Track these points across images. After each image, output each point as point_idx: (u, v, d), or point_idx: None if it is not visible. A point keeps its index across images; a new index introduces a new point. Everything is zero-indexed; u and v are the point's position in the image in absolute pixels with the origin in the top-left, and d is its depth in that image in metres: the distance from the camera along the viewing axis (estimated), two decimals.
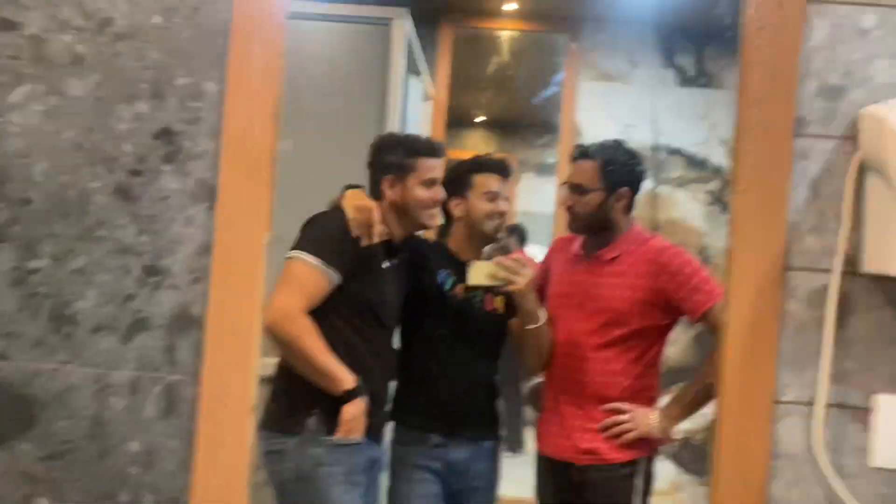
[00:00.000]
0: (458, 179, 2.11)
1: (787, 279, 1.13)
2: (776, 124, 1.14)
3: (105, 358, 1.16)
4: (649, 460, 2.05)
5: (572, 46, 4.10)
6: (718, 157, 3.94)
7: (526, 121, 5.53)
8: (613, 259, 2.07)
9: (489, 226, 2.13)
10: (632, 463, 2.01)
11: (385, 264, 1.93)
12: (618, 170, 2.06)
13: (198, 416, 1.14)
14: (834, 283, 1.11)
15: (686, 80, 4.00)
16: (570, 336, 2.08)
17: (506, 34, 4.60)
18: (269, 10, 1.17)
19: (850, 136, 1.13)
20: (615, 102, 4.04)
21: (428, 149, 1.99)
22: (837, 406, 1.12)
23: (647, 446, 2.03)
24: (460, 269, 2.13)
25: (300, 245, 1.82)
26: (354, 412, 1.79)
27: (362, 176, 2.02)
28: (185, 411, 1.15)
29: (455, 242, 2.18)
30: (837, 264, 1.11)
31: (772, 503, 1.12)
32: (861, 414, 1.12)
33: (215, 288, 1.15)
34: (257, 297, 1.16)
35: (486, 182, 2.14)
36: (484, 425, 2.19)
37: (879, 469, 1.11)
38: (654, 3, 3.79)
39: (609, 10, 3.79)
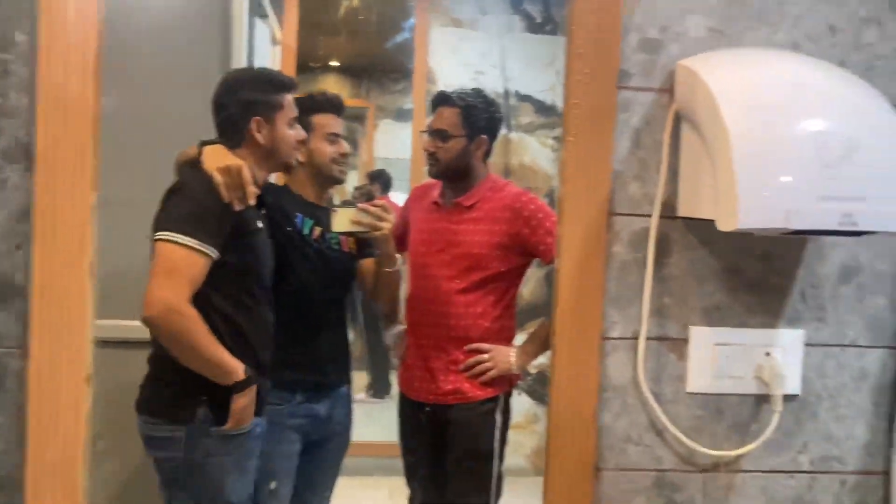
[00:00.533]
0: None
1: (612, 223, 1.20)
2: (600, 77, 1.19)
3: None
4: (507, 396, 2.16)
5: None
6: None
7: (380, 66, 5.47)
8: (471, 206, 2.14)
9: (336, 170, 2.12)
10: (493, 399, 2.12)
11: (259, 223, 1.83)
12: (479, 117, 2.13)
13: (27, 390, 1.08)
14: (653, 226, 1.19)
15: (533, 27, 4.08)
16: (432, 282, 2.14)
17: None
18: None
19: (668, 89, 1.20)
20: (466, 49, 4.07)
21: (290, 84, 1.89)
22: (657, 339, 1.22)
23: (507, 382, 2.14)
24: (311, 212, 2.11)
25: (169, 224, 1.65)
26: (244, 403, 1.72)
27: (206, 126, 1.85)
28: (12, 385, 1.09)
29: (299, 186, 2.14)
30: (656, 209, 1.19)
31: (602, 431, 1.22)
32: (678, 345, 1.22)
33: (38, 254, 1.08)
34: (86, 261, 1.10)
35: (326, 122, 2.11)
36: (344, 371, 2.22)
37: (694, 394, 1.22)
38: None
39: None
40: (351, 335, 5.32)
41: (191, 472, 1.74)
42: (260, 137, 1.82)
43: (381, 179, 5.18)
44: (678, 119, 1.19)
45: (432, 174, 2.20)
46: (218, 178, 1.69)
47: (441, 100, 2.18)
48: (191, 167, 1.76)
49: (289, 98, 1.87)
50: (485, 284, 2.11)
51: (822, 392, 1.25)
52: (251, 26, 2.88)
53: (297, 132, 1.90)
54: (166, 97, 2.01)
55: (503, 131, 3.93)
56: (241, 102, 1.81)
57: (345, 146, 2.14)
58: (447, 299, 2.12)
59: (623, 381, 1.22)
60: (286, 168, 1.95)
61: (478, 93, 2.20)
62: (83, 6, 1.09)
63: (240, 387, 1.71)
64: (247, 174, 1.72)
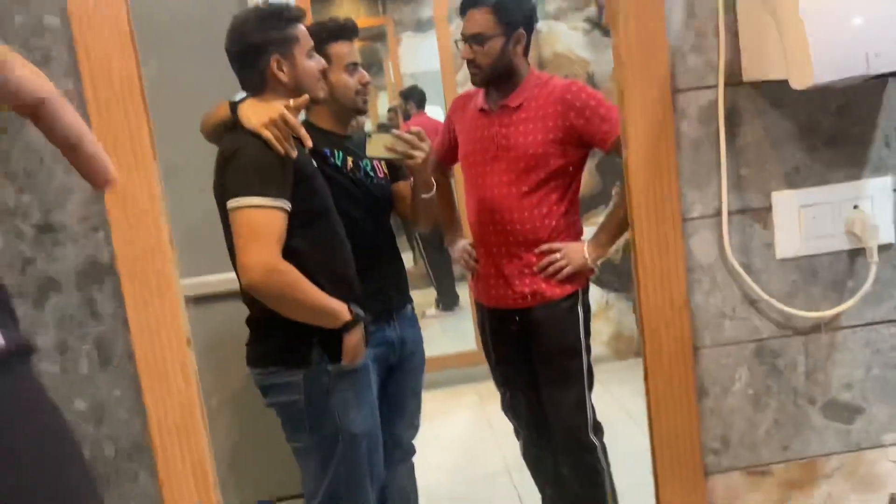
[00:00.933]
0: None
1: (676, 100, 1.16)
2: None
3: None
4: (585, 290, 2.15)
5: None
6: None
7: None
8: (519, 106, 2.07)
9: (359, 101, 2.08)
10: (572, 296, 2.11)
11: (313, 163, 1.83)
12: (512, 11, 2.05)
13: (137, 360, 1.12)
14: (720, 97, 1.14)
15: None
16: (491, 190, 2.11)
17: None
18: None
19: None
20: None
21: (299, 14, 1.83)
22: (739, 212, 1.19)
23: (583, 277, 2.13)
24: (340, 145, 2.09)
25: (238, 190, 1.65)
26: (356, 340, 1.77)
27: (230, 79, 1.81)
28: (121, 360, 1.13)
29: (321, 120, 2.09)
30: (720, 78, 1.14)
31: (696, 311, 1.21)
32: (762, 214, 1.19)
33: (117, 231, 1.10)
34: (162, 230, 1.12)
35: (342, 52, 2.04)
36: (404, 292, 2.24)
37: (785, 260, 1.20)
38: None
39: None
40: (409, 254, 5.38)
41: (314, 412, 1.80)
42: (282, 76, 1.77)
43: (414, 96, 5.09)
44: None
45: (476, 82, 2.13)
46: (267, 133, 1.67)
47: (469, 2, 2.09)
48: (231, 130, 1.75)
49: (301, 28, 1.81)
50: (546, 183, 2.07)
51: None
52: None
53: (318, 62, 1.86)
54: (191, 57, 1.98)
55: None
56: (255, 44, 1.75)
57: (365, 75, 2.08)
58: (510, 204, 2.09)
59: (710, 260, 1.20)
60: (316, 101, 1.89)
61: None
62: None
63: (349, 326, 1.75)
64: (292, 119, 1.69)
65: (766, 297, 1.19)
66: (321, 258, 1.78)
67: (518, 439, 2.41)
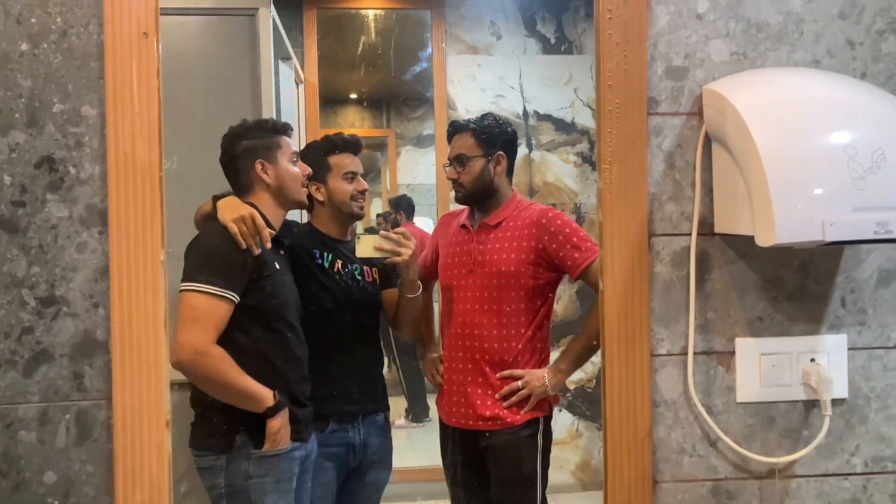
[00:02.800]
0: (314, 164, 2.14)
1: (653, 244, 1.25)
2: (631, 105, 1.25)
3: (8, 393, 1.15)
4: (547, 418, 2.16)
5: (437, 21, 4.18)
6: (583, 118, 4.13)
7: (400, 96, 5.56)
8: (498, 224, 2.17)
9: (355, 207, 2.21)
10: (532, 423, 2.11)
11: (277, 265, 1.93)
12: (491, 134, 2.20)
13: (115, 437, 1.15)
14: (693, 244, 1.24)
15: (548, 48, 4.15)
16: (463, 304, 2.17)
17: (371, 13, 4.62)
18: (142, 27, 1.17)
19: (696, 112, 1.25)
20: (483, 74, 4.16)
21: (284, 127, 2.03)
22: (704, 353, 1.26)
23: (546, 404, 2.14)
24: (332, 247, 2.20)
25: (190, 275, 1.78)
26: (278, 426, 1.84)
27: None
28: (99, 435, 1.16)
29: (321, 223, 2.24)
30: (694, 228, 1.24)
31: (657, 444, 1.26)
32: (726, 357, 1.27)
33: (116, 311, 1.16)
34: (160, 315, 1.17)
35: (343, 163, 2.20)
36: (376, 399, 2.27)
37: (744, 403, 1.26)
38: None
39: None
40: (385, 362, 5.37)
41: (234, 497, 1.84)
42: (266, 178, 1.94)
43: (403, 205, 5.24)
44: (708, 140, 1.25)
45: (459, 199, 2.25)
46: (233, 227, 1.81)
47: (455, 129, 2.26)
48: (207, 220, 1.90)
49: (284, 139, 2.00)
50: (516, 303, 2.11)
51: (869, 394, 1.28)
52: (276, 70, 2.99)
53: (301, 167, 2.02)
54: (206, 152, 2.09)
55: (525, 151, 4.01)
56: (243, 149, 1.95)
57: (363, 183, 2.22)
58: (479, 321, 2.13)
59: (674, 396, 1.26)
60: (299, 205, 2.05)
61: (487, 115, 2.27)
62: (145, 77, 1.17)
63: (272, 412, 1.83)
64: (259, 220, 1.84)
65: (724, 437, 1.25)
66: (262, 352, 1.87)
67: None
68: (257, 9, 2.66)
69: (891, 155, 1.07)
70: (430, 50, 4.23)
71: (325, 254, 2.18)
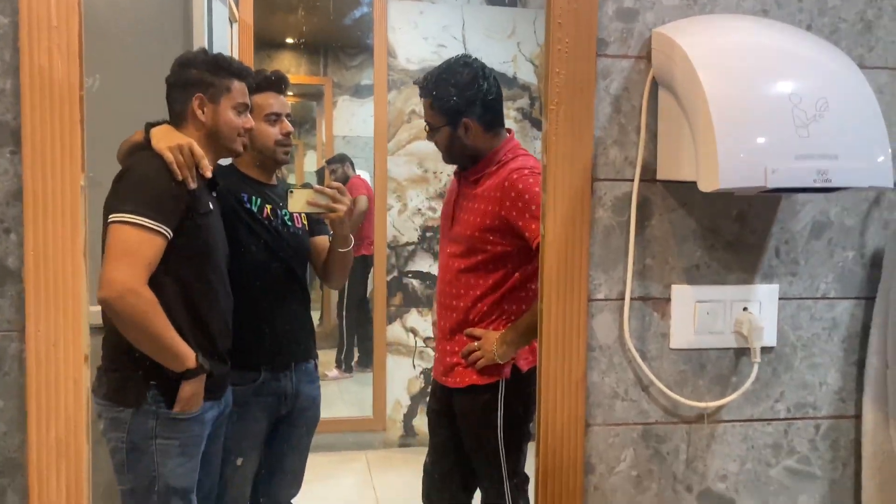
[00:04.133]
0: None
1: (595, 189, 1.24)
2: (580, 45, 1.22)
3: None
4: (509, 382, 2.02)
5: None
6: (525, 74, 4.10)
7: (338, 42, 5.42)
8: (476, 181, 2.04)
9: (279, 153, 2.13)
10: (493, 386, 2.01)
11: (210, 205, 1.83)
12: (449, 104, 2.00)
13: (27, 372, 1.08)
14: (635, 190, 1.23)
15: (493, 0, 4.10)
16: (444, 260, 2.10)
17: None
18: None
19: (645, 56, 1.24)
20: (426, 21, 4.07)
21: (241, 71, 1.90)
22: (641, 299, 1.26)
23: (506, 368, 2.01)
24: (259, 191, 2.12)
25: (122, 205, 1.65)
26: (192, 390, 1.75)
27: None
28: (10, 368, 1.09)
29: (246, 167, 2.15)
30: (637, 174, 1.23)
31: (592, 388, 1.26)
32: (661, 304, 1.27)
33: (31, 237, 1.08)
34: (79, 243, 1.10)
35: (266, 102, 2.09)
36: (306, 348, 2.23)
37: (677, 350, 1.28)
38: None
39: None
40: (317, 314, 5.32)
41: (135, 454, 1.76)
42: (202, 116, 1.83)
43: (343, 160, 5.14)
44: (655, 85, 1.23)
45: (444, 161, 2.12)
46: (169, 155, 1.70)
47: (419, 90, 2.08)
48: (140, 150, 1.78)
49: (237, 84, 1.88)
50: (486, 265, 2.00)
51: (796, 343, 1.31)
52: (209, 7, 2.85)
53: (245, 120, 1.90)
54: (132, 77, 1.99)
55: None
56: (186, 80, 1.83)
57: (287, 125, 2.12)
58: (453, 278, 2.04)
59: (609, 341, 1.26)
60: (233, 153, 1.94)
61: (450, 72, 2.01)
62: None
63: (189, 374, 1.74)
64: (198, 150, 1.74)
65: (656, 382, 1.26)
66: (188, 299, 1.77)
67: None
68: None
69: (833, 104, 1.07)
70: None
71: (254, 198, 2.11)
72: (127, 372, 1.75)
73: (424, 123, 2.09)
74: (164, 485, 1.77)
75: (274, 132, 2.10)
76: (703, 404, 1.28)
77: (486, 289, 2.01)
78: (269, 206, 2.12)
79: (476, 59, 2.07)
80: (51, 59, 1.07)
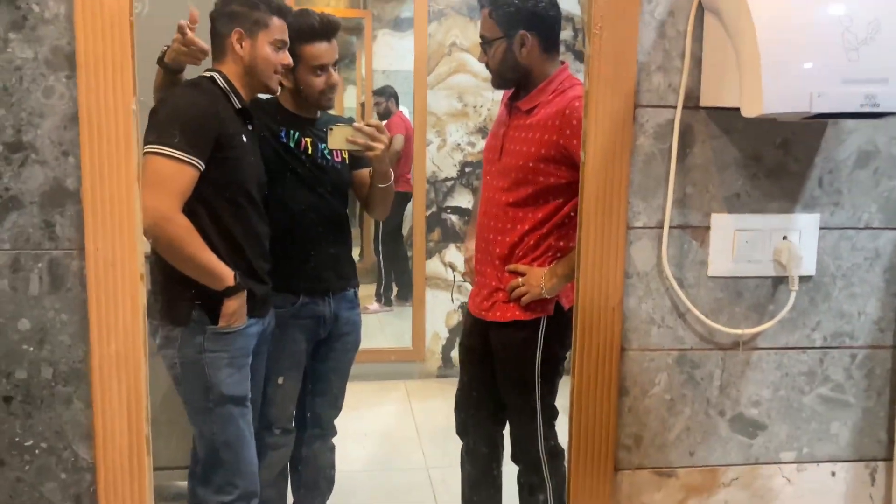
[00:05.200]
0: None
1: (637, 115, 1.24)
2: None
3: None
4: (551, 319, 2.01)
5: None
6: (569, 3, 4.01)
7: None
8: (530, 110, 1.98)
9: (323, 100, 2.15)
10: (534, 322, 2.00)
11: (244, 138, 1.89)
12: (508, 11, 1.94)
13: (87, 287, 1.14)
14: (677, 117, 1.23)
15: None
16: (489, 192, 2.06)
17: None
18: None
19: None
20: None
21: (281, 8, 1.93)
22: (680, 227, 1.27)
23: (550, 304, 1.99)
24: (299, 126, 2.15)
25: (154, 137, 1.73)
26: (235, 306, 1.86)
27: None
28: (73, 284, 1.15)
29: (287, 101, 2.18)
30: (680, 100, 1.22)
31: (628, 314, 1.29)
32: (700, 232, 1.28)
33: (87, 160, 1.12)
34: (132, 166, 1.14)
35: (315, 54, 2.08)
36: (346, 276, 2.29)
37: (715, 278, 1.29)
38: None
39: None
40: (357, 249, 5.38)
41: (189, 368, 1.88)
42: (240, 50, 1.88)
43: (392, 95, 5.12)
44: (701, 9, 1.21)
45: (494, 85, 2.08)
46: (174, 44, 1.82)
47: (480, 1, 2.02)
48: (169, 86, 1.87)
49: (276, 21, 1.90)
50: (535, 199, 1.95)
51: (836, 273, 1.31)
52: None
53: (282, 57, 1.94)
54: (179, 1, 2.00)
55: None
56: (227, 13, 1.88)
57: (334, 77, 2.12)
58: (497, 213, 2.01)
59: (647, 268, 1.28)
60: (269, 90, 1.97)
61: None
62: None
63: (230, 292, 1.84)
64: (190, 33, 1.81)
65: (693, 309, 1.28)
66: (222, 225, 1.86)
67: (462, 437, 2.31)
68: None
69: (886, 26, 1.05)
70: None
71: (292, 132, 2.14)
72: (174, 293, 1.86)
73: (479, 38, 2.03)
74: (218, 393, 1.89)
75: (320, 82, 2.11)
76: (738, 331, 1.29)
77: (534, 223, 1.97)
78: (307, 140, 2.15)
79: None
80: None
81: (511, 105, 2.06)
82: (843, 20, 1.05)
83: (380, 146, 2.05)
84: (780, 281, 1.30)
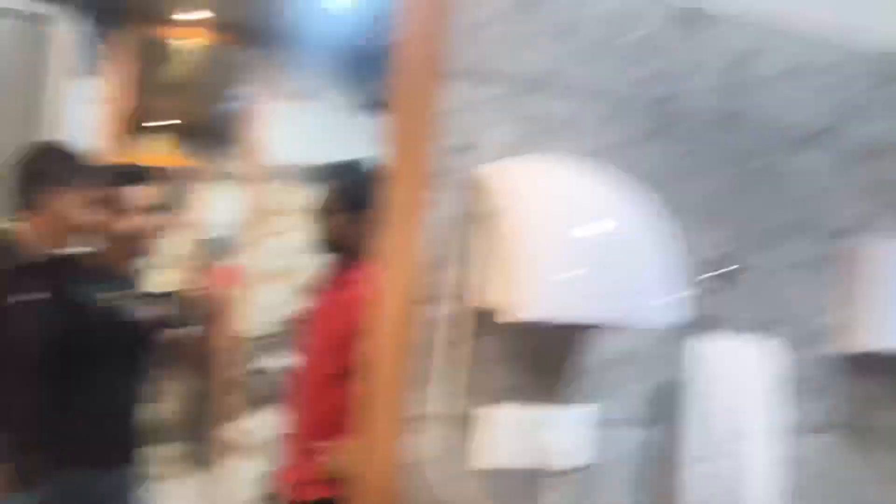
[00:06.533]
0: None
1: (414, 311, 1.29)
2: (411, 176, 1.31)
3: None
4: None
5: (262, 62, 4.16)
6: None
7: (212, 130, 5.42)
8: (349, 282, 2.06)
9: (140, 244, 2.11)
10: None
11: (25, 296, 1.81)
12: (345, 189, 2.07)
13: None
14: (450, 314, 1.29)
15: (368, 105, 4.25)
16: (307, 363, 2.13)
17: (195, 42, 4.51)
18: None
19: (467, 189, 1.32)
20: (301, 121, 4.17)
21: (91, 166, 1.92)
22: (449, 418, 1.31)
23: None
24: (107, 280, 2.07)
25: None
26: None
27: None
28: None
29: (100, 255, 2.10)
30: (453, 298, 1.30)
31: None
32: (469, 423, 1.32)
33: None
34: None
35: (132, 195, 2.07)
36: (126, 449, 2.15)
37: (480, 471, 1.32)
38: (343, 30, 3.98)
39: (297, 31, 3.89)
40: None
41: None
42: (55, 207, 1.84)
43: (215, 247, 5.03)
44: (475, 218, 1.31)
45: (319, 252, 2.19)
46: None
47: (320, 175, 2.20)
48: None
49: (87, 179, 1.91)
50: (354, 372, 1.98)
51: (602, 465, 1.38)
52: (71, 85, 2.83)
53: (92, 214, 1.92)
54: None
55: None
56: (34, 171, 1.86)
57: (149, 219, 2.11)
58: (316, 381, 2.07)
59: (412, 459, 1.29)
60: (81, 246, 1.96)
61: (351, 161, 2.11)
62: None
63: None
64: None
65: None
66: None
67: None
68: (51, 17, 2.50)
69: (628, 249, 1.19)
70: (251, 88, 4.18)
71: (94, 286, 2.06)
72: None
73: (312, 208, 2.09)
74: None
75: (136, 224, 2.06)
76: None
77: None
78: (112, 295, 2.07)
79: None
80: None
81: (336, 272, 2.10)
82: (590, 240, 1.18)
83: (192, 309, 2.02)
84: (546, 474, 1.35)
